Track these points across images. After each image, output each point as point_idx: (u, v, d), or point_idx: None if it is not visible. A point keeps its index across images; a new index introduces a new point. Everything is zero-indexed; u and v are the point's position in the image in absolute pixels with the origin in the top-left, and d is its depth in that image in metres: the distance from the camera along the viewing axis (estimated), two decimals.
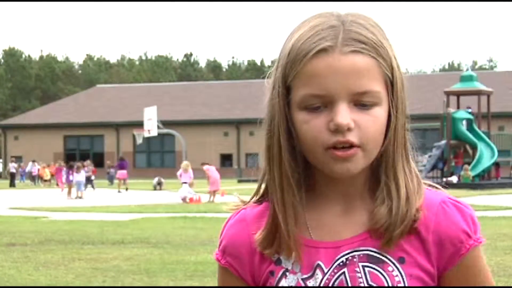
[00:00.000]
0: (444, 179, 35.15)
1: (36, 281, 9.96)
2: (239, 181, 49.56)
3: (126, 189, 39.35)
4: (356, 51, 1.48)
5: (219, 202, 25.81)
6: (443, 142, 37.88)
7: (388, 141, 1.53)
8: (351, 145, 1.48)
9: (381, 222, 1.51)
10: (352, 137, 1.47)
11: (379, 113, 1.50)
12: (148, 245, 13.61)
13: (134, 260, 11.59)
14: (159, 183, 41.56)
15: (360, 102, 1.49)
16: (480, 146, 37.72)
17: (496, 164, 39.75)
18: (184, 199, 28.25)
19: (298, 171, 1.54)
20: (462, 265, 1.55)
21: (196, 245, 13.53)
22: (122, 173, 40.33)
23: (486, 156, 37.70)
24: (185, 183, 28.80)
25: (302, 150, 1.53)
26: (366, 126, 1.48)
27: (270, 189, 1.57)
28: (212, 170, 29.70)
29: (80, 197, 32.69)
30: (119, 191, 38.35)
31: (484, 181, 37.41)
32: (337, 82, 1.47)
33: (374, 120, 1.50)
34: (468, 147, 38.57)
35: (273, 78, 1.56)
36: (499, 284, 9.23)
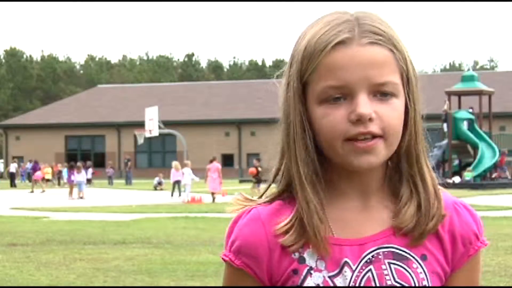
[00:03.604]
0: (451, 181, 35.09)
1: (37, 281, 9.97)
2: (241, 181, 49.58)
3: (43, 191, 41.09)
4: (374, 42, 1.49)
5: (220, 203, 25.82)
6: (445, 142, 37.87)
7: (410, 135, 1.54)
8: (373, 137, 1.48)
9: (408, 220, 1.52)
10: (374, 128, 1.47)
11: (398, 105, 1.51)
12: (149, 245, 13.61)
13: (135, 260, 11.59)
14: (160, 183, 41.55)
15: (380, 93, 1.49)
16: (482, 146, 37.73)
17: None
18: (183, 201, 28.31)
19: (314, 167, 1.53)
20: (468, 266, 1.57)
21: (197, 245, 13.54)
22: (36, 174, 44.60)
23: (487, 156, 37.70)
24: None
25: (321, 146, 1.52)
26: (388, 116, 1.49)
27: (295, 186, 1.55)
28: (212, 170, 29.50)
29: (81, 197, 32.72)
30: (32, 191, 40.55)
31: (486, 181, 37.39)
32: (357, 73, 1.47)
33: (394, 111, 1.50)
34: (469, 147, 38.56)
35: (287, 76, 1.56)
36: (500, 284, 9.25)
